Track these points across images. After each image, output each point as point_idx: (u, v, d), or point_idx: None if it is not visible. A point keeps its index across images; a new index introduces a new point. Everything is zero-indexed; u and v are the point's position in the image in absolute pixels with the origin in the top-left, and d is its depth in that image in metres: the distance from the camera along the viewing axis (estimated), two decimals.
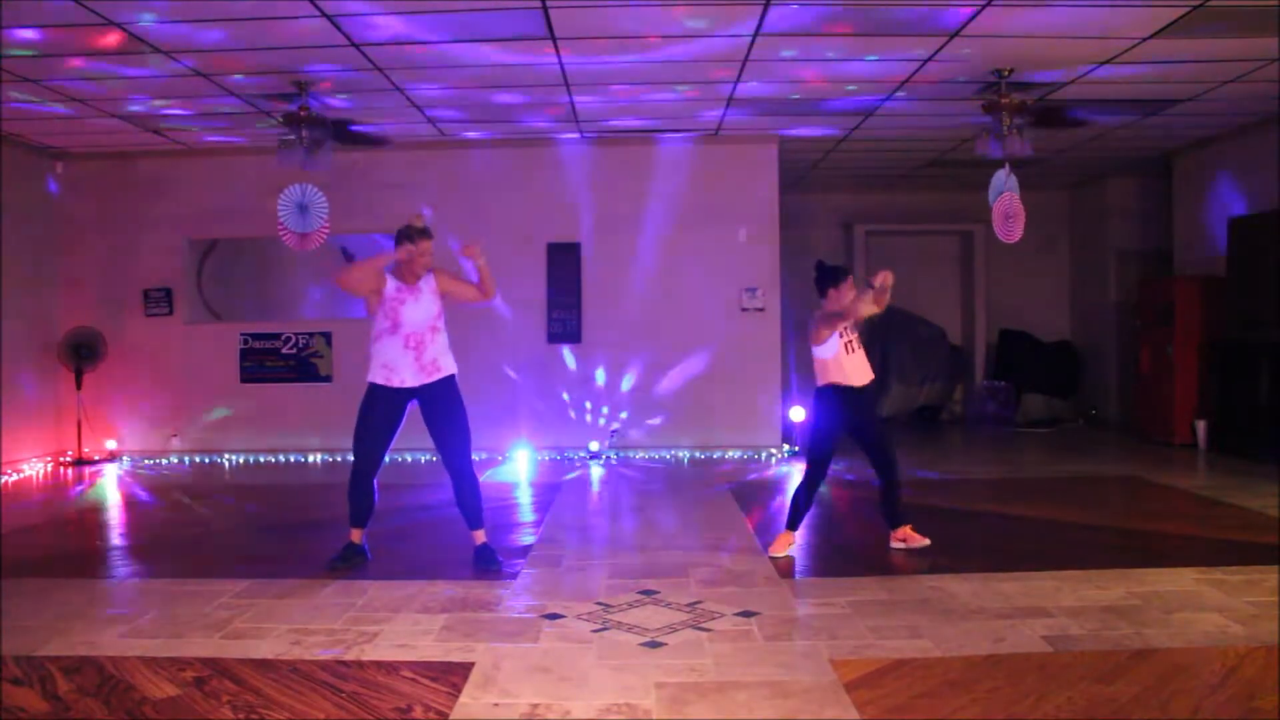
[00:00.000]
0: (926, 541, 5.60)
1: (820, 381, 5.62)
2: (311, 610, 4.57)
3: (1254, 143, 9.47)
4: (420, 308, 5.31)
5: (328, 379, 10.18)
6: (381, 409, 5.32)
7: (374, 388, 5.34)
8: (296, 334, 10.25)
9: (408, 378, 5.28)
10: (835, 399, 5.59)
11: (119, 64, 6.99)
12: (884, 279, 5.57)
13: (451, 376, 5.38)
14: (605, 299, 10.10)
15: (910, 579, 5.07)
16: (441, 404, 5.33)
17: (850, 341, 5.57)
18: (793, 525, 5.67)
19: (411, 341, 5.27)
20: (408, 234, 5.27)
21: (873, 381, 5.68)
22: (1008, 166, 7.68)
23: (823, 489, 7.42)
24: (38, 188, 9.82)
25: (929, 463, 9.39)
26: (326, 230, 8.06)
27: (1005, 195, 7.67)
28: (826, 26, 6.45)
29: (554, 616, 4.46)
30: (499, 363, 9.95)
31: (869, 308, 5.62)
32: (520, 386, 10.06)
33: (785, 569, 5.34)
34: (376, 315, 5.35)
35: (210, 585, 5.00)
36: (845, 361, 5.57)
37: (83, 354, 9.76)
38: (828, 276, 5.66)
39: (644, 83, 7.86)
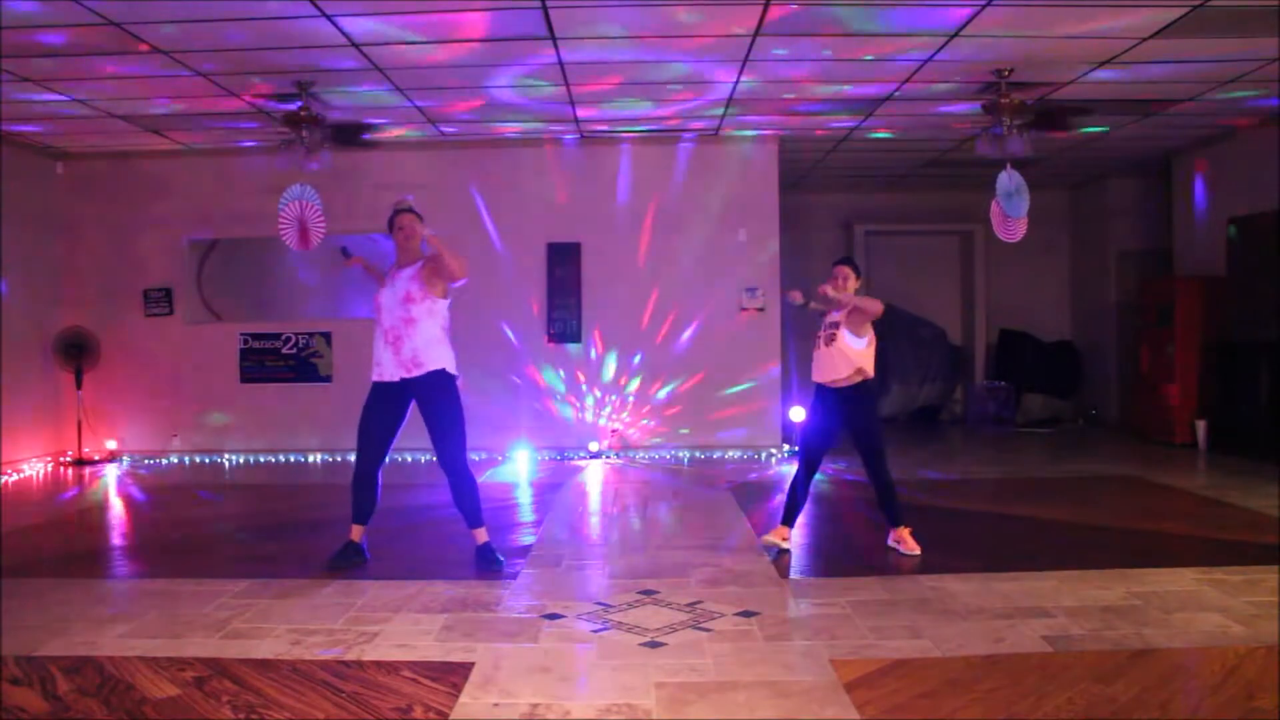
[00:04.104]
0: (917, 550, 5.56)
1: None
2: (311, 610, 4.57)
3: (1254, 143, 9.47)
4: (392, 294, 5.29)
5: (328, 379, 10.18)
6: (377, 405, 5.34)
7: (372, 385, 5.38)
8: (296, 334, 10.25)
9: (388, 371, 5.29)
10: (814, 394, 5.67)
11: (119, 64, 6.99)
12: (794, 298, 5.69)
13: (440, 372, 5.29)
14: (605, 299, 10.10)
15: (910, 579, 5.07)
16: (432, 401, 5.29)
17: (821, 336, 5.60)
18: (787, 520, 5.69)
19: (390, 335, 5.28)
20: (389, 220, 5.37)
21: (843, 383, 5.53)
22: (1009, 166, 7.68)
23: (826, 489, 7.42)
24: (38, 188, 9.82)
25: (929, 463, 9.39)
26: (323, 228, 8.05)
27: (1018, 218, 7.69)
28: (826, 26, 6.45)
29: (554, 616, 4.46)
30: (499, 363, 9.95)
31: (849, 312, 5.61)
32: (520, 386, 10.06)
33: (785, 569, 5.34)
34: None
35: (210, 585, 5.00)
36: (815, 355, 5.64)
37: (74, 354, 9.76)
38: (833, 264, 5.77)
39: (644, 82, 7.86)
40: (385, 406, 5.32)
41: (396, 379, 5.28)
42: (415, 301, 5.26)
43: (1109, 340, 12.38)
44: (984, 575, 5.05)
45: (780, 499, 7.05)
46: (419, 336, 5.26)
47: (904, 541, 5.62)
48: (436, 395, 5.29)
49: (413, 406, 5.36)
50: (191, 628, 4.31)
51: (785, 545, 5.65)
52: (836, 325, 5.57)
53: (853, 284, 5.64)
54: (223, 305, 10.71)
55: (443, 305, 5.37)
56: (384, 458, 5.40)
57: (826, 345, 5.56)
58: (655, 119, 9.18)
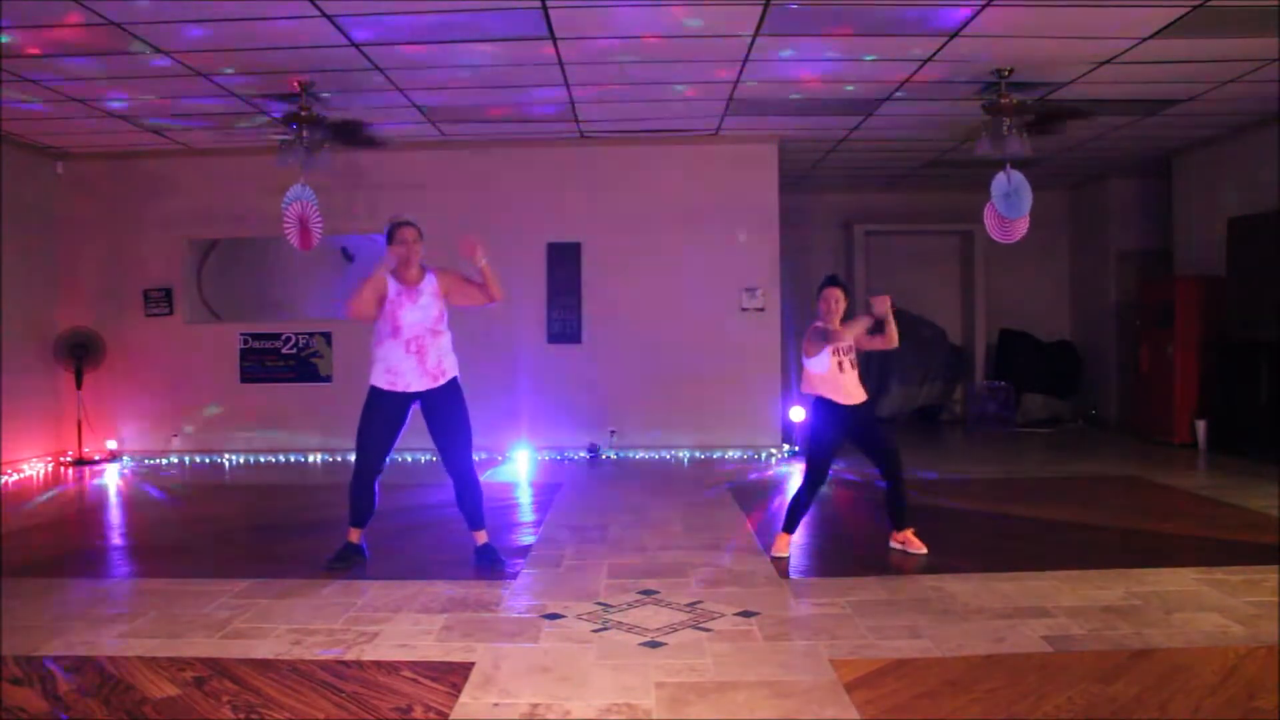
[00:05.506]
0: (924, 549, 5.58)
1: (807, 390, 5.66)
2: (311, 610, 4.57)
3: (1254, 143, 9.47)
4: (419, 310, 5.27)
5: (328, 379, 10.18)
6: (384, 412, 5.30)
7: (376, 391, 5.32)
8: (296, 334, 10.25)
9: (412, 382, 5.27)
10: (827, 412, 5.60)
11: (119, 64, 6.99)
12: (880, 306, 5.49)
13: (454, 380, 5.37)
14: (605, 299, 10.10)
15: (910, 579, 5.07)
16: (444, 407, 5.31)
17: (844, 361, 5.55)
18: (789, 528, 5.68)
19: (413, 346, 5.25)
20: (391, 231, 5.30)
21: (866, 401, 5.63)
22: (1007, 167, 7.68)
23: (824, 489, 7.44)
24: (38, 188, 9.82)
25: (929, 463, 9.39)
26: (321, 228, 8.06)
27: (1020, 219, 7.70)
28: (826, 27, 6.45)
29: (554, 616, 4.46)
30: (499, 363, 9.94)
31: (870, 341, 5.66)
32: (520, 386, 10.05)
33: (785, 569, 5.34)
34: (378, 318, 5.34)
35: (210, 585, 5.00)
36: (837, 379, 5.54)
37: (79, 355, 9.76)
38: (820, 284, 5.69)
39: (644, 83, 7.86)
40: (391, 415, 5.31)
41: (419, 389, 5.28)
42: (444, 317, 5.36)
43: (1109, 340, 12.38)
44: (984, 575, 5.05)
45: (781, 500, 7.06)
46: (442, 347, 5.33)
47: (909, 542, 5.63)
48: (450, 403, 5.33)
49: (412, 411, 5.36)
50: (191, 628, 4.31)
51: (786, 555, 5.63)
52: (853, 349, 5.61)
53: (843, 305, 5.61)
54: (223, 305, 10.70)
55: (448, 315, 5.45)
56: (385, 463, 5.40)
57: (854, 368, 5.59)
58: (655, 119, 9.18)
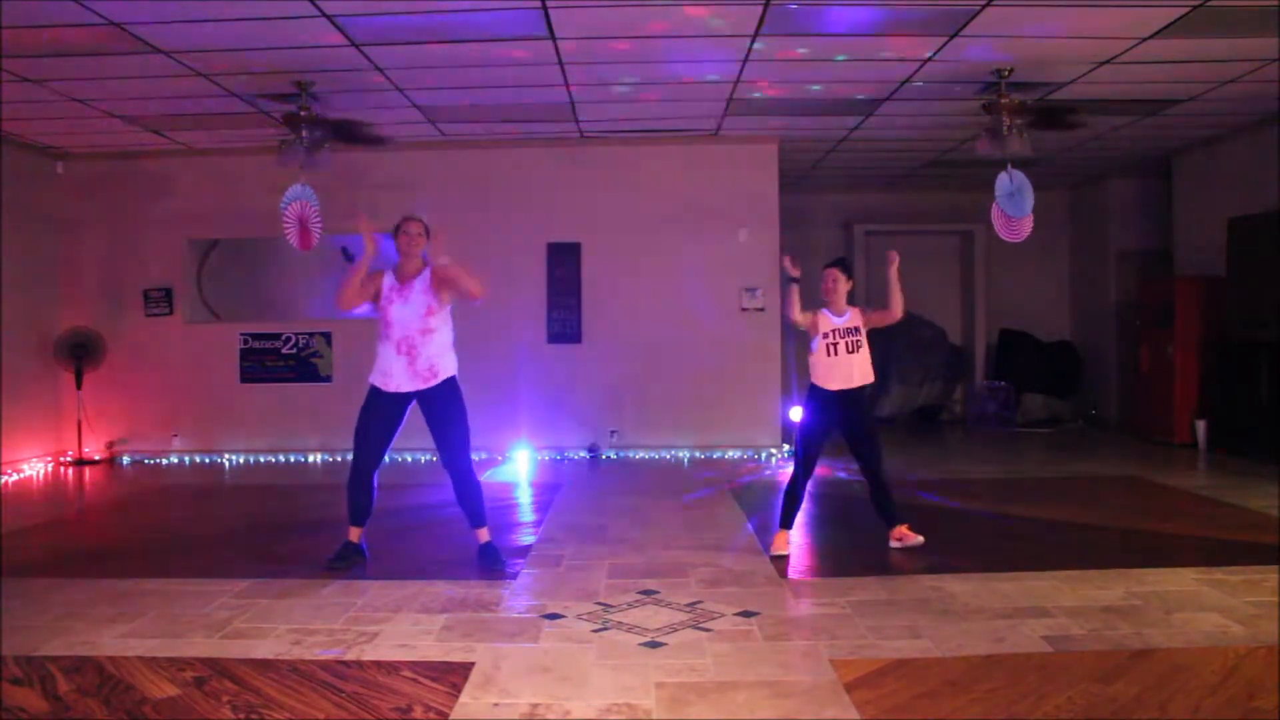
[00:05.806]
0: (920, 539, 5.62)
1: None
2: (311, 610, 4.57)
3: (1254, 143, 9.46)
4: (408, 309, 5.26)
5: (328, 379, 10.18)
6: (380, 410, 5.31)
7: (373, 389, 5.35)
8: (296, 334, 10.25)
9: (403, 383, 5.27)
10: (813, 397, 5.66)
11: (119, 64, 6.99)
12: (891, 260, 5.64)
13: (451, 378, 5.36)
14: (605, 299, 10.10)
15: (910, 579, 5.07)
16: (440, 406, 5.31)
17: (835, 345, 5.56)
18: (786, 523, 5.69)
19: (403, 347, 5.24)
20: (397, 225, 5.37)
21: (857, 389, 5.61)
22: (1009, 167, 7.68)
23: (825, 489, 7.43)
24: (38, 188, 9.82)
25: (929, 463, 9.39)
26: (320, 228, 8.07)
27: (1025, 217, 7.72)
28: (826, 26, 6.45)
29: (554, 616, 4.46)
30: (499, 363, 9.94)
31: (871, 317, 5.71)
32: (520, 386, 10.05)
33: (785, 568, 5.34)
34: (378, 315, 5.37)
35: (210, 585, 5.00)
36: (822, 363, 5.61)
37: (79, 355, 9.76)
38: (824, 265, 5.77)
39: (644, 82, 7.86)
40: (387, 411, 5.31)
41: (409, 390, 5.27)
42: (434, 313, 5.29)
43: (1109, 340, 12.38)
44: (984, 575, 5.05)
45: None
46: (433, 346, 5.27)
47: (905, 537, 5.64)
48: (447, 401, 5.31)
49: (411, 409, 5.36)
50: (191, 628, 4.31)
51: (786, 553, 5.63)
52: (858, 331, 5.61)
53: (844, 286, 5.65)
54: (223, 305, 10.69)
55: (449, 311, 5.40)
56: (382, 460, 5.40)
57: (850, 352, 5.58)
58: (655, 119, 9.17)
